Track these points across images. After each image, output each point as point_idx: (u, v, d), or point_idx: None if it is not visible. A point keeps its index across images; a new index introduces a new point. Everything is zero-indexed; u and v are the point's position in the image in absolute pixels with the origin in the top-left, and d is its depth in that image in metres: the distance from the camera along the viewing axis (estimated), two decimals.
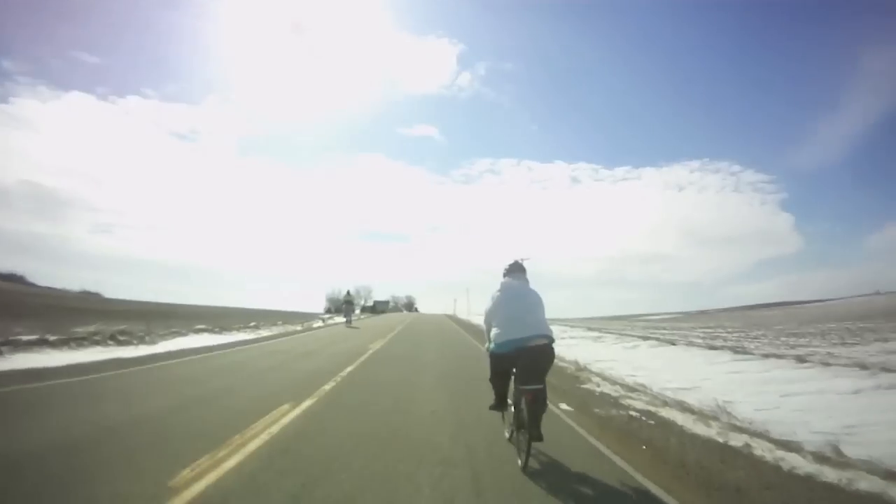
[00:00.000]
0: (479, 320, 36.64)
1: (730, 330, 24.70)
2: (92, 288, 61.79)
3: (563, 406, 6.77)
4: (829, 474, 4.19)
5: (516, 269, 4.66)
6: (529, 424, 3.86)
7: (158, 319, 17.93)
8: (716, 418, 6.13)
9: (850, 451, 4.71)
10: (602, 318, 73.72)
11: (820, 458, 4.58)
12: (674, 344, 17.63)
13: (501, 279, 4.64)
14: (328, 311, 59.77)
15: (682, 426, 5.63)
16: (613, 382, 8.71)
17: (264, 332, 18.65)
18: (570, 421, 5.91)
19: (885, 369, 8.72)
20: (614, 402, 7.09)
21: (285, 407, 5.63)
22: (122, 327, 12.59)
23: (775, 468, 4.38)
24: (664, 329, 30.23)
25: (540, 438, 3.86)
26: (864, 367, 9.14)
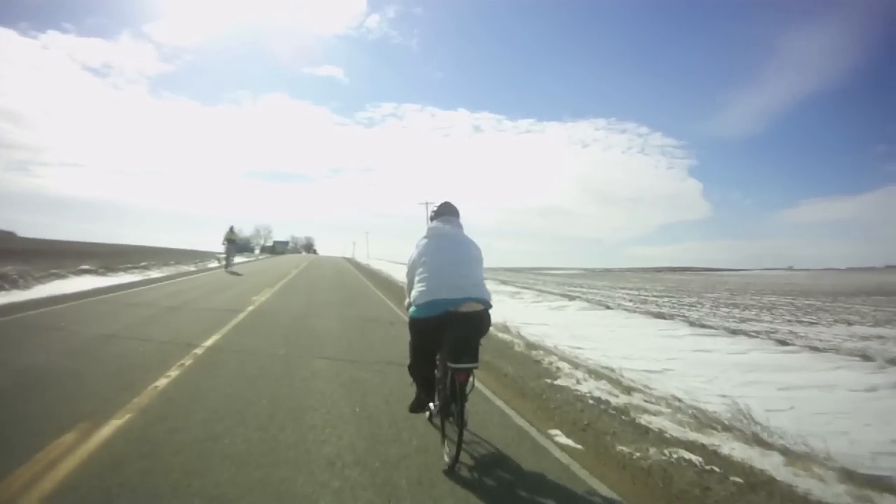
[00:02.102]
0: (380, 266, 33.60)
1: (655, 294, 24.24)
2: (6, 227, 61.07)
3: (560, 439, 3.74)
4: None
5: (448, 212, 3.68)
6: (460, 410, 3.06)
7: (53, 259, 16.21)
8: (766, 442, 3.90)
9: None
10: (506, 270, 74.30)
11: None
12: (608, 307, 16.20)
13: (428, 224, 3.71)
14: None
15: (795, 488, 3.02)
16: (598, 376, 5.99)
17: (153, 274, 17.34)
18: (606, 492, 2.93)
19: (892, 362, 7.31)
20: (629, 419, 4.22)
21: (69, 438, 3.25)
22: (3, 270, 11.64)
23: None
24: (580, 287, 29.60)
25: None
26: (865, 357, 7.70)
